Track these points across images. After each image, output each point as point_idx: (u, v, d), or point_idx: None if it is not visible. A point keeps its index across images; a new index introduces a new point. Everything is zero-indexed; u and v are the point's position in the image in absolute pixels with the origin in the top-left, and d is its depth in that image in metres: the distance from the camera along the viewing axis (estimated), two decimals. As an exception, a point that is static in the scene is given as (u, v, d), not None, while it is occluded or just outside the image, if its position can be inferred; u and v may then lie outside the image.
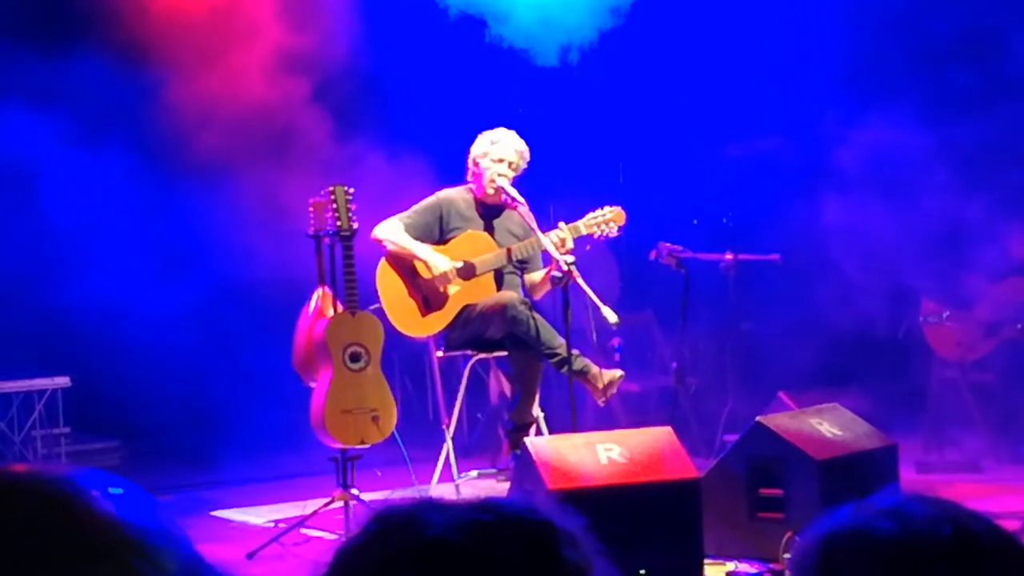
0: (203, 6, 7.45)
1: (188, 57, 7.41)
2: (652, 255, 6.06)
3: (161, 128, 7.45)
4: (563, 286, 5.40)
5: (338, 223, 5.50)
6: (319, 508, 5.50)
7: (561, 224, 5.84)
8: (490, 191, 5.95)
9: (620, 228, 5.92)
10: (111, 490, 1.09)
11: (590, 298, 5.38)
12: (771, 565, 4.73)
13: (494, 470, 6.25)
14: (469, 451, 7.44)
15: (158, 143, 7.57)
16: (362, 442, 5.45)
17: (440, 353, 6.10)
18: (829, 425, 5.15)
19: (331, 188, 5.55)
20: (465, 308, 5.90)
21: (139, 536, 1.06)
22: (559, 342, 5.61)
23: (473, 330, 5.88)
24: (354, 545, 1.09)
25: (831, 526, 1.11)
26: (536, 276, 6.04)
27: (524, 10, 7.64)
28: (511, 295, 5.82)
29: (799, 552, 1.12)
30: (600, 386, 5.65)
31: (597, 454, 4.59)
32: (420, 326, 5.94)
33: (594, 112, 8.64)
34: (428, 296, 5.93)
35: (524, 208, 5.82)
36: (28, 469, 1.10)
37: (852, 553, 1.08)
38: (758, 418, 5.09)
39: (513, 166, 5.95)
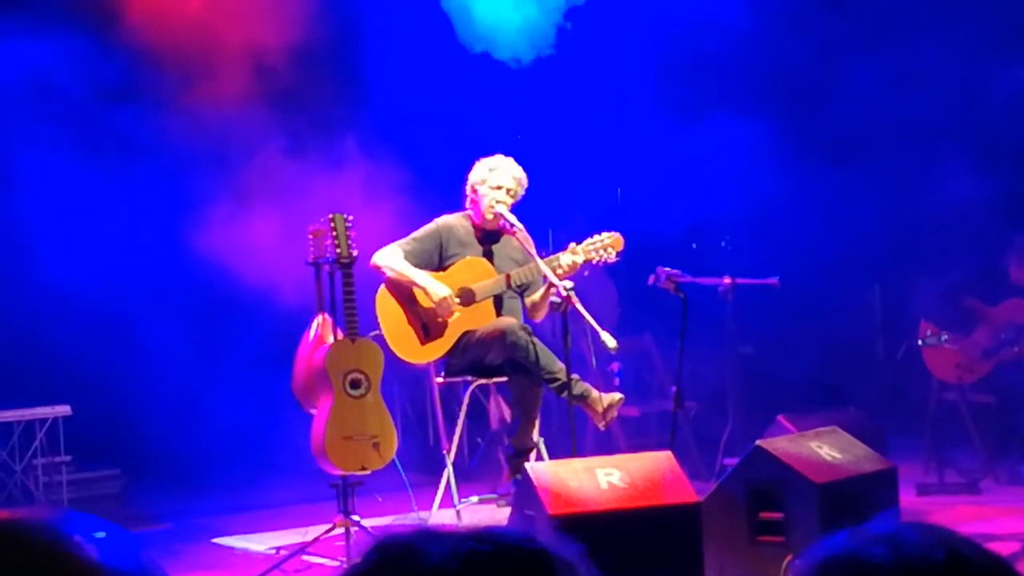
0: (187, 8, 7.41)
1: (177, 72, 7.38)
2: (651, 280, 6.05)
3: (172, 156, 7.49)
4: (562, 311, 5.41)
5: (338, 250, 5.52)
6: (320, 535, 5.50)
7: (572, 245, 5.83)
8: (489, 217, 5.97)
9: (619, 254, 5.91)
10: (94, 534, 1.08)
11: (589, 323, 5.39)
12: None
13: (495, 495, 6.25)
14: (470, 476, 7.44)
15: (173, 167, 7.60)
16: (363, 468, 5.46)
17: (440, 379, 6.10)
18: (829, 448, 5.16)
19: (331, 216, 5.56)
20: (465, 334, 5.90)
21: None
22: (559, 367, 5.61)
23: (473, 356, 5.88)
24: (355, 575, 1.10)
25: (826, 552, 1.12)
26: (537, 295, 6.02)
27: (519, 31, 7.67)
28: (510, 321, 5.82)
29: (795, 578, 1.14)
30: (600, 410, 5.65)
31: (597, 479, 4.60)
32: (420, 352, 5.95)
33: (592, 137, 8.66)
34: (428, 323, 5.94)
35: (522, 234, 5.83)
36: (10, 515, 1.10)
37: (847, 579, 1.09)
38: (758, 442, 5.09)
39: (511, 193, 5.97)
